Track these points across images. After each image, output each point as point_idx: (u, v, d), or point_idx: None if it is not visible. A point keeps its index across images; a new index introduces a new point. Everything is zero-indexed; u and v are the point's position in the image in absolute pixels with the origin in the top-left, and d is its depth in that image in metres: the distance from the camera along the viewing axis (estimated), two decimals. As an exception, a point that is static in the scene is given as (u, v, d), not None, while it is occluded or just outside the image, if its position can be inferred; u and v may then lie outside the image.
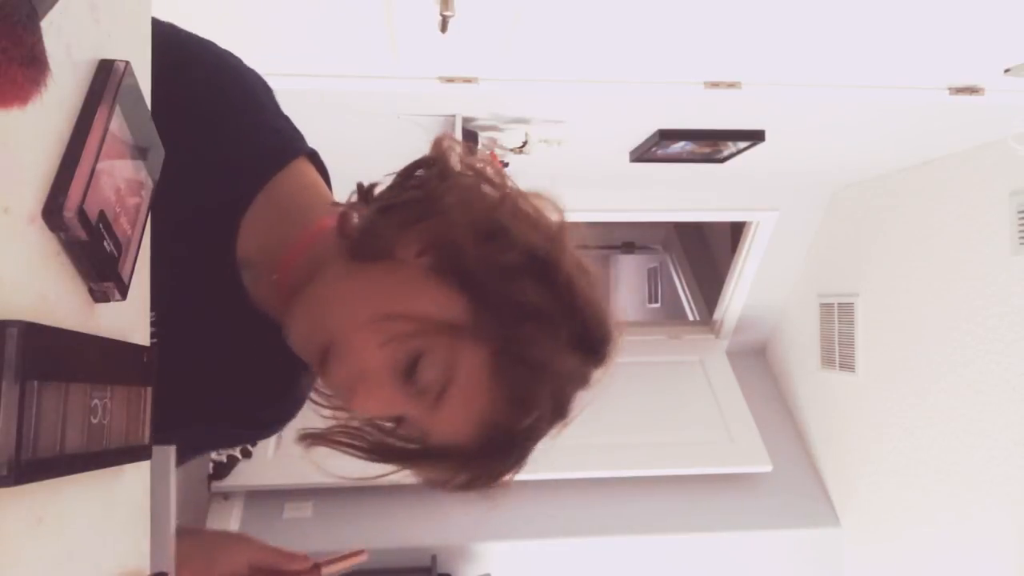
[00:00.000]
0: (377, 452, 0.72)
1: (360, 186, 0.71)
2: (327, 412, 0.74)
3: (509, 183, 0.68)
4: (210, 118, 0.69)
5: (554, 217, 0.67)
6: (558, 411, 0.68)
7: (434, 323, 0.63)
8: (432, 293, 0.64)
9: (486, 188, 0.67)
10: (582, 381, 0.69)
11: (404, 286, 0.65)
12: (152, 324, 0.63)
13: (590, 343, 0.67)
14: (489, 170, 0.69)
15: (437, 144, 0.69)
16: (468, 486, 0.72)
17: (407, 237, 0.65)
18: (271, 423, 0.82)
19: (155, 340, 0.63)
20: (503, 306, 0.63)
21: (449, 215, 0.64)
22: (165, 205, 0.59)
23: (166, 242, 0.60)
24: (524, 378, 0.64)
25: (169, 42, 0.65)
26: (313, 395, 0.77)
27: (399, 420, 0.69)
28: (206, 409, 0.73)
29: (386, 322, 0.63)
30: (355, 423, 0.74)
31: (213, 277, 0.70)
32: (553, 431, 0.70)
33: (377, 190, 0.71)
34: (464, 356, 0.63)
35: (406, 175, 0.69)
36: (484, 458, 0.68)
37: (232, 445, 0.86)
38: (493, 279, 0.63)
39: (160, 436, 0.57)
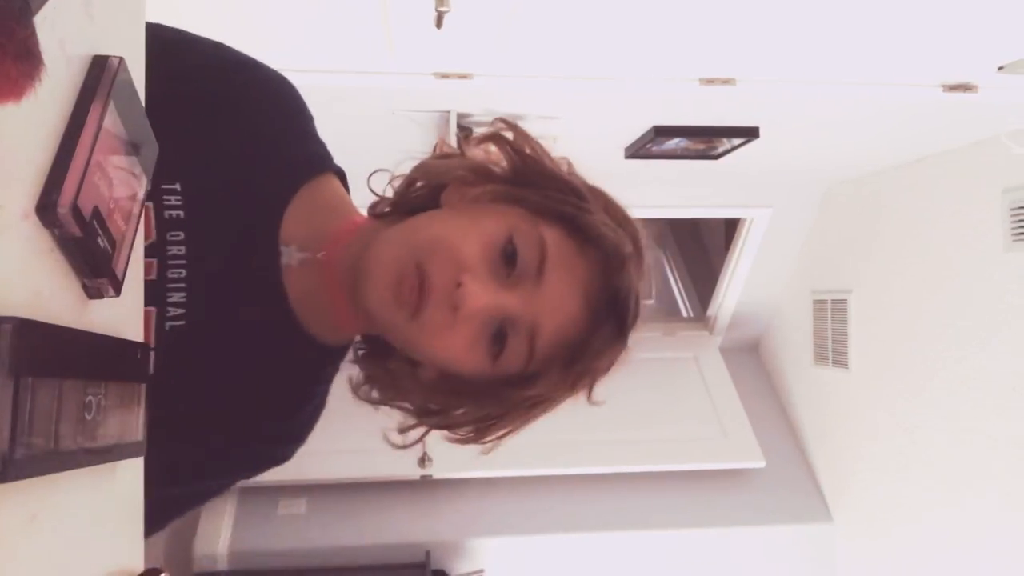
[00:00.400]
0: (494, 390, 0.72)
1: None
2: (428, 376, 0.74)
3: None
4: (270, 118, 0.76)
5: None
6: (639, 254, 0.72)
7: (510, 218, 0.68)
8: (494, 208, 0.70)
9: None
10: (640, 235, 0.74)
11: (471, 209, 0.71)
12: (181, 307, 0.66)
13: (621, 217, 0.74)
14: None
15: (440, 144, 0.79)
16: (585, 375, 0.72)
17: (450, 188, 0.73)
18: (279, 441, 0.79)
19: (182, 323, 0.67)
20: (552, 196, 0.70)
21: (477, 159, 0.74)
22: (216, 188, 0.68)
23: (212, 222, 0.67)
24: (602, 233, 0.68)
25: (233, 60, 0.76)
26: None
27: (501, 343, 0.68)
28: (223, 410, 0.71)
29: (472, 225, 0.68)
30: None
31: (251, 260, 0.71)
32: (643, 281, 0.74)
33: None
34: (546, 235, 0.68)
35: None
36: (595, 333, 0.69)
37: (233, 476, 0.81)
38: (534, 185, 0.71)
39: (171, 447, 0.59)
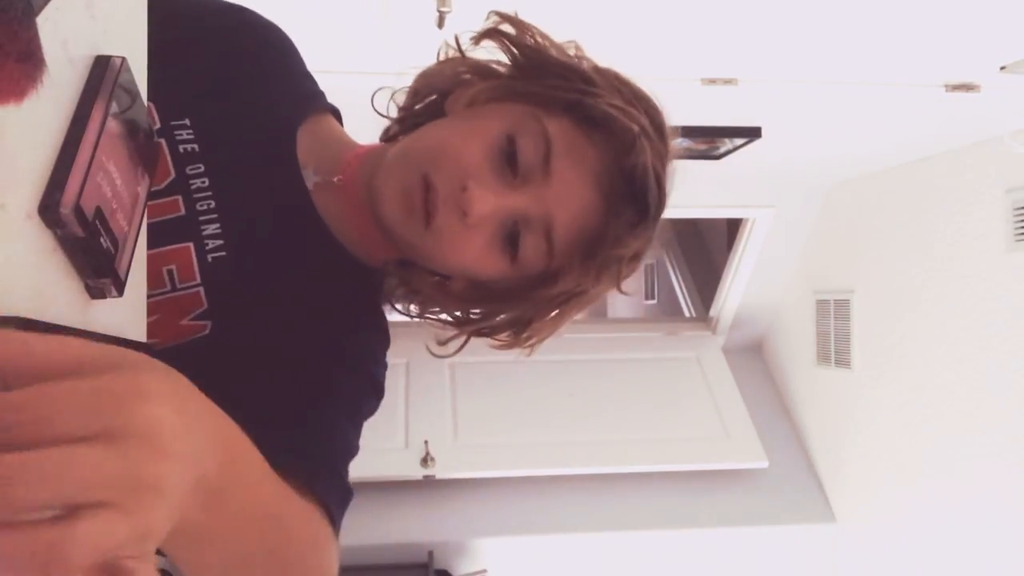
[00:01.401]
0: (521, 291, 0.72)
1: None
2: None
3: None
4: (267, 55, 0.78)
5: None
6: (659, 131, 0.70)
7: (510, 115, 0.67)
8: (494, 107, 0.70)
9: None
10: (659, 112, 0.72)
11: (470, 114, 0.71)
12: (218, 237, 0.66)
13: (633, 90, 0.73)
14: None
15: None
16: (608, 264, 0.69)
17: (453, 96, 0.73)
18: (365, 353, 0.74)
19: (224, 254, 0.66)
20: (554, 85, 0.69)
21: (470, 60, 0.74)
22: (231, 123, 0.69)
23: (228, 151, 0.68)
24: (608, 114, 0.66)
25: (225, 3, 0.78)
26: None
27: (515, 244, 0.67)
28: (294, 334, 0.68)
29: (471, 129, 0.67)
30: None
31: (277, 178, 0.71)
32: (668, 160, 0.71)
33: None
34: (551, 127, 0.66)
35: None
36: (613, 219, 0.67)
37: (355, 402, 0.73)
38: (536, 77, 0.70)
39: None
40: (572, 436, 3.24)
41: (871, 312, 3.06)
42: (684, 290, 4.74)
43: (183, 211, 0.65)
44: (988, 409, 2.43)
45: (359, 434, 0.70)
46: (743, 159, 2.60)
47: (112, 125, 0.44)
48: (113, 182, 0.44)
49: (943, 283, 2.63)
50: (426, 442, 3.15)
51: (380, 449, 3.07)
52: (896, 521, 2.94)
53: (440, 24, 1.59)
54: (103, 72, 0.44)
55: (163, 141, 0.66)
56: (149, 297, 0.62)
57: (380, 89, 0.79)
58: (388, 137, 0.79)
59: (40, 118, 0.38)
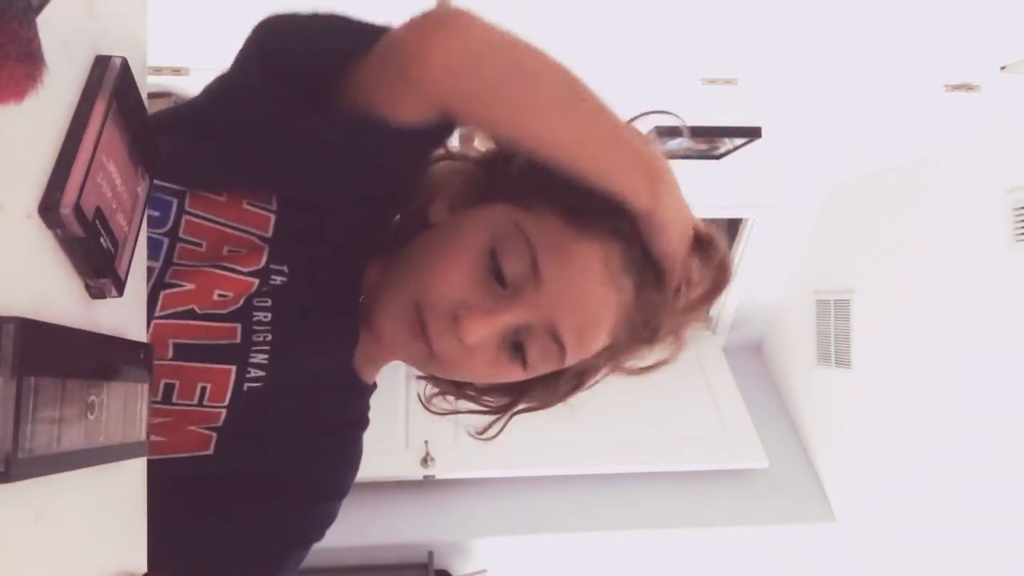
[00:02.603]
0: (553, 381, 0.72)
1: None
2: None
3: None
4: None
5: None
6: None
7: (489, 226, 0.65)
8: (473, 215, 0.68)
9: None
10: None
11: (451, 228, 0.69)
12: (262, 368, 0.66)
13: None
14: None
15: None
16: (649, 334, 0.69)
17: (433, 204, 0.71)
18: (334, 495, 0.77)
19: (260, 385, 0.66)
20: (534, 183, 0.65)
21: (451, 168, 0.72)
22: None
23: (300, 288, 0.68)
24: (593, 198, 0.62)
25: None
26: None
27: (521, 351, 0.66)
28: (290, 468, 0.71)
29: (452, 250, 0.66)
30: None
31: (336, 315, 0.71)
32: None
33: None
34: (531, 228, 0.64)
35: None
36: (637, 288, 0.65)
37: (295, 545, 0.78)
38: (511, 179, 0.67)
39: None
40: (572, 436, 3.24)
41: (871, 312, 3.06)
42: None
43: (239, 339, 0.65)
44: (988, 409, 2.43)
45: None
46: (743, 159, 2.60)
47: (112, 125, 0.44)
48: (113, 182, 0.44)
49: (943, 283, 2.63)
50: (426, 442, 3.15)
51: (380, 449, 3.06)
52: (896, 521, 2.94)
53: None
54: (103, 72, 0.44)
55: (256, 281, 0.65)
56: (172, 404, 0.63)
57: None
58: (379, 248, 0.77)
59: (40, 118, 0.38)
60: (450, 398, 0.79)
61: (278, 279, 0.66)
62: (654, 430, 3.37)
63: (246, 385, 0.65)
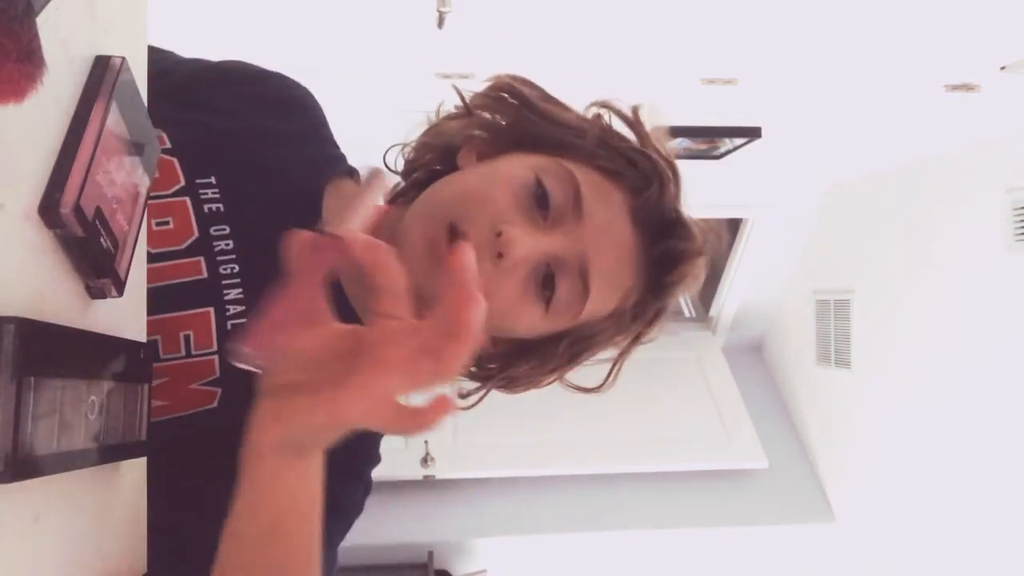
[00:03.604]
0: (553, 345, 0.72)
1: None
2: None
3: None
4: (294, 122, 0.77)
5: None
6: (676, 174, 0.71)
7: (532, 162, 0.67)
8: (513, 157, 0.69)
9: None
10: (667, 144, 0.71)
11: (489, 165, 0.69)
12: (240, 303, 0.65)
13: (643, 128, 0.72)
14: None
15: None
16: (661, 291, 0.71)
17: (463, 151, 0.72)
18: (366, 455, 0.76)
19: (244, 321, 0.65)
20: (568, 135, 0.68)
21: (479, 117, 0.73)
22: (257, 193, 0.68)
23: (254, 214, 0.67)
24: (633, 159, 0.67)
25: (257, 72, 0.78)
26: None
27: (550, 286, 0.65)
28: None
29: (495, 177, 0.66)
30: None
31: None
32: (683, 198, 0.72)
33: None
34: (576, 171, 0.66)
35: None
36: (655, 247, 0.68)
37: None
38: (553, 125, 0.69)
39: None
40: (572, 436, 3.24)
41: (871, 312, 3.06)
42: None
43: (205, 274, 0.64)
44: (988, 408, 2.43)
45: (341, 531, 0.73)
46: (743, 159, 2.60)
47: (112, 125, 0.44)
48: (113, 182, 0.44)
49: (943, 283, 2.63)
50: (426, 442, 3.15)
51: (380, 449, 3.06)
52: (896, 521, 2.94)
53: (440, 24, 1.59)
54: (103, 72, 0.44)
55: (187, 199, 0.65)
56: (161, 361, 0.62)
57: (392, 147, 0.77)
58: (398, 195, 0.77)
59: (40, 118, 0.38)
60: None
61: (209, 192, 0.66)
62: (654, 430, 3.36)
63: (229, 323, 0.64)
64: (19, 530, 0.36)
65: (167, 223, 0.63)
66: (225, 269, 0.65)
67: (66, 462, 0.39)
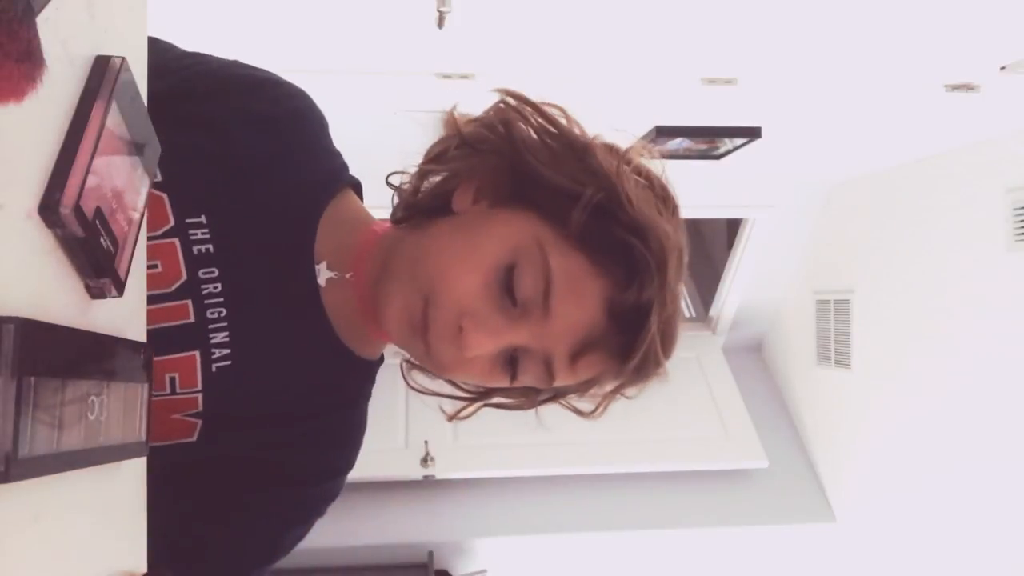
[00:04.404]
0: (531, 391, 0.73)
1: (389, 182, 0.76)
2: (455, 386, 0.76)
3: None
4: (290, 137, 0.73)
5: (576, 129, 0.70)
6: (664, 264, 0.65)
7: (513, 239, 0.64)
8: (500, 220, 0.66)
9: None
10: (669, 228, 0.66)
11: (474, 226, 0.67)
12: (225, 347, 0.65)
13: (658, 195, 0.69)
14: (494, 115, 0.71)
15: (448, 121, 0.73)
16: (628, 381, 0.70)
17: (459, 191, 0.70)
18: (339, 471, 0.77)
19: (229, 363, 0.66)
20: (563, 198, 0.64)
21: (481, 157, 0.69)
22: (248, 206, 0.67)
23: (245, 254, 0.66)
24: (629, 247, 0.63)
25: (250, 78, 0.74)
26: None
27: (514, 366, 0.66)
28: (283, 450, 0.70)
29: (472, 254, 0.65)
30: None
31: (291, 282, 0.70)
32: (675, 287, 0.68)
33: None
34: (553, 255, 0.63)
35: (432, 153, 0.74)
36: (624, 342, 0.64)
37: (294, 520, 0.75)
38: (545, 184, 0.65)
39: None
40: (572, 436, 3.23)
41: (871, 312, 3.06)
42: (684, 290, 4.74)
43: (192, 318, 0.64)
44: (988, 409, 2.43)
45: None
46: (743, 159, 2.60)
47: (112, 125, 0.44)
48: (113, 182, 0.44)
49: (943, 283, 2.63)
50: (426, 442, 3.15)
51: (380, 449, 3.07)
52: (896, 521, 2.94)
53: (440, 24, 1.59)
54: (103, 72, 0.44)
55: (176, 241, 0.64)
56: None
57: (394, 173, 0.76)
58: (396, 220, 0.76)
59: (40, 117, 0.38)
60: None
61: (199, 232, 0.65)
62: (654, 430, 3.36)
63: (214, 366, 0.65)
64: (19, 530, 0.36)
65: (155, 266, 0.63)
66: (212, 313, 0.65)
67: (66, 462, 0.39)
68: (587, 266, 0.63)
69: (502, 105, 0.69)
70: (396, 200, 0.76)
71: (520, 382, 0.68)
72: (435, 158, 0.73)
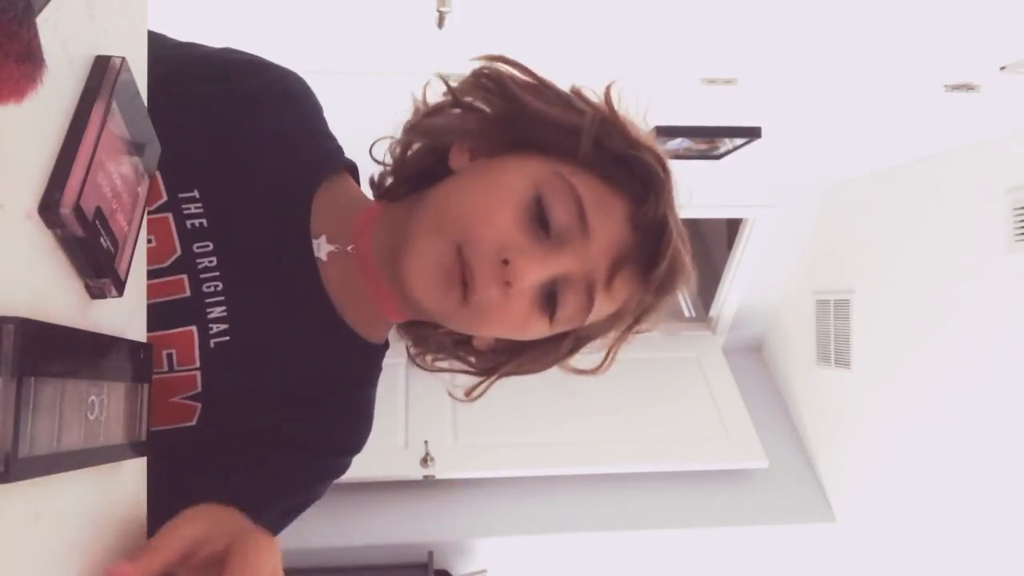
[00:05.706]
0: (555, 342, 0.73)
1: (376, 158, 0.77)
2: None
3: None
4: (283, 118, 0.74)
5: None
6: (668, 173, 0.69)
7: (532, 175, 0.66)
8: (511, 163, 0.68)
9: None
10: (659, 149, 0.70)
11: (488, 172, 0.68)
12: (223, 322, 0.65)
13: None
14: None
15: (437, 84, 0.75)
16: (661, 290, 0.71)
17: (453, 150, 0.71)
18: (342, 451, 0.76)
19: (227, 339, 0.65)
20: (563, 133, 0.67)
21: (472, 113, 0.71)
22: (244, 185, 0.67)
23: (239, 227, 0.66)
24: (629, 163, 0.66)
25: (243, 62, 0.75)
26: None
27: (552, 304, 0.66)
28: (284, 424, 0.69)
29: (497, 193, 0.65)
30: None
31: (287, 256, 0.69)
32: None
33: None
34: (577, 184, 0.65)
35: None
36: (651, 252, 0.67)
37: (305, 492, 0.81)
38: (546, 122, 0.68)
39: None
40: (572, 436, 3.24)
41: (871, 312, 3.06)
42: (684, 290, 4.73)
43: (188, 292, 0.64)
44: (988, 409, 2.43)
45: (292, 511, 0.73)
46: (743, 159, 2.60)
47: (112, 125, 0.44)
48: (113, 182, 0.44)
49: (943, 283, 2.63)
50: (426, 442, 3.15)
51: (380, 449, 3.06)
52: (896, 521, 2.94)
53: (440, 24, 1.59)
54: (103, 72, 0.44)
55: (169, 215, 0.64)
56: None
57: (378, 140, 0.77)
58: (384, 190, 0.76)
59: (40, 118, 0.38)
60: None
61: (192, 207, 0.64)
62: (654, 430, 3.36)
63: (212, 342, 0.64)
64: (20, 529, 0.36)
65: (150, 241, 0.62)
66: (208, 287, 0.65)
67: (66, 462, 0.39)
68: (606, 187, 0.66)
69: (486, 69, 0.72)
70: (378, 176, 0.77)
71: (557, 321, 0.67)
72: (424, 122, 0.74)
